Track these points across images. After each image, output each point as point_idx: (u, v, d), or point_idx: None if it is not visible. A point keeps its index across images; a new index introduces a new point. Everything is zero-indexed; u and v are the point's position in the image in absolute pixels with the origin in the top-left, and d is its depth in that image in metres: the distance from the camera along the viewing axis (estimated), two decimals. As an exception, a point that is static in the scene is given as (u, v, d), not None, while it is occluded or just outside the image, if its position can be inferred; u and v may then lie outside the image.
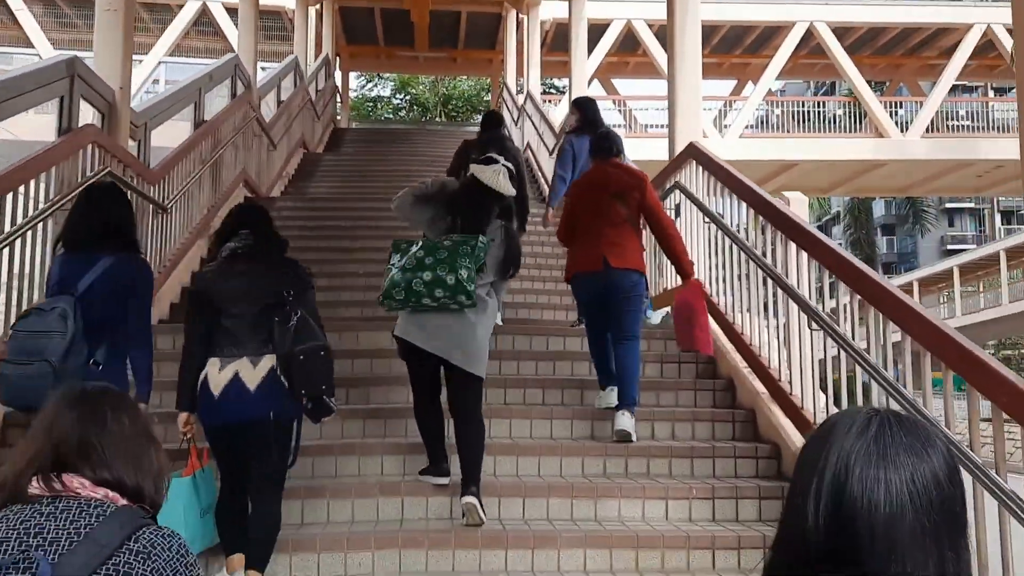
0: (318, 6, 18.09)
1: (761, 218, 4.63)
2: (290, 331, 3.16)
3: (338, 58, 21.64)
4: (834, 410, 4.05)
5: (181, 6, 20.20)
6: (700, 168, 5.60)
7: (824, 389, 4.01)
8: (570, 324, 5.75)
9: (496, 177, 3.81)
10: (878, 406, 1.23)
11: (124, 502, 1.44)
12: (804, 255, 4.14)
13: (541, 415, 4.55)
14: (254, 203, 3.92)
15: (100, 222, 3.41)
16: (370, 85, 29.53)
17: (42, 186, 4.62)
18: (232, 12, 19.89)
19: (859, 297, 3.66)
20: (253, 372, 3.16)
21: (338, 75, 21.97)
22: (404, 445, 4.18)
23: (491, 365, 4.92)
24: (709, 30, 20.37)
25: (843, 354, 3.71)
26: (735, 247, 5.04)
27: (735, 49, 22.41)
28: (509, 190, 3.86)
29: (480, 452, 3.71)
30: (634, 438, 4.24)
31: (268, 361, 3.18)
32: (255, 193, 10.22)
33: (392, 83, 29.17)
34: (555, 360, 5.22)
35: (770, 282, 4.53)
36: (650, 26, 19.64)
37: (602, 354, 4.59)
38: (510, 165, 3.95)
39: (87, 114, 5.94)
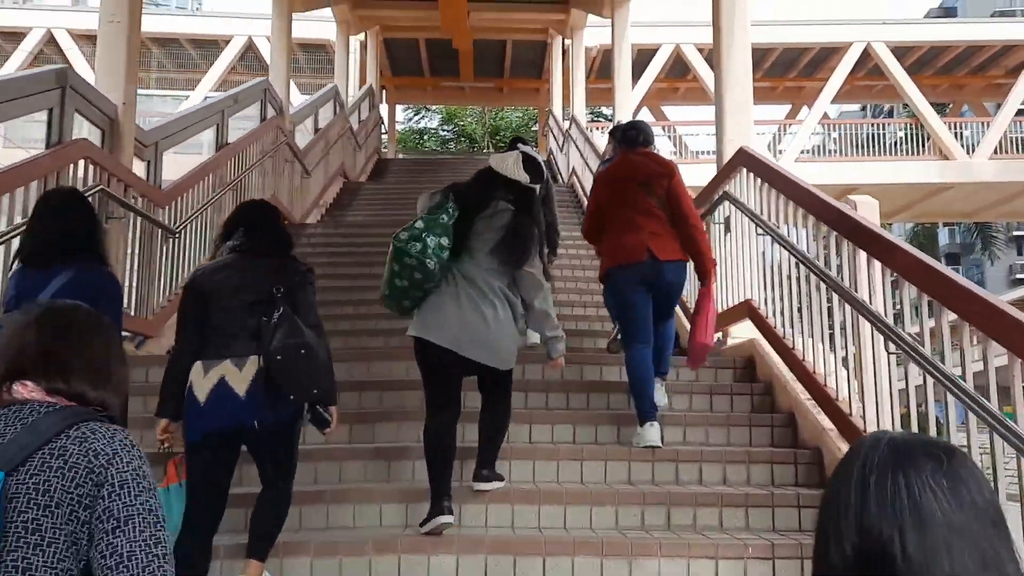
0: (362, 37, 17.97)
1: (824, 226, 3.99)
2: (271, 329, 2.90)
3: (384, 91, 21.55)
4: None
5: (227, 41, 20.31)
6: (752, 176, 4.98)
7: (906, 425, 3.32)
8: (607, 347, 5.14)
9: (504, 162, 3.54)
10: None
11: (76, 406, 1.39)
12: (877, 265, 3.48)
13: (570, 455, 3.93)
14: (258, 201, 3.67)
15: (58, 232, 3.06)
16: (417, 117, 29.46)
17: (19, 202, 4.23)
18: (278, 47, 19.97)
19: (949, 314, 2.99)
20: (239, 375, 2.89)
21: (385, 108, 21.87)
22: (409, 491, 3.61)
23: (516, 399, 4.37)
24: (761, 53, 19.81)
25: (930, 381, 3.03)
26: (794, 260, 4.40)
27: (789, 72, 21.75)
28: (518, 175, 3.52)
29: (500, 439, 3.58)
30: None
31: (254, 363, 2.89)
32: (286, 219, 9.90)
33: (439, 115, 29.04)
34: (589, 392, 4.61)
35: (836, 299, 3.87)
36: (700, 50, 19.12)
37: (646, 374, 4.07)
38: (532, 152, 3.66)
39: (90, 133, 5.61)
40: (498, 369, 3.43)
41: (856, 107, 41.94)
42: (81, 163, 4.90)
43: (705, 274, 4.24)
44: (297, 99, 14.75)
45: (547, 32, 17.29)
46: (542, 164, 3.67)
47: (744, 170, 5.07)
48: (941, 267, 3.03)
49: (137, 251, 5.76)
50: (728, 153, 5.44)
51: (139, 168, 6.12)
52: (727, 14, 5.47)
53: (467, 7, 12.76)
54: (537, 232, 3.57)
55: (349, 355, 5.16)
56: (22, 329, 1.45)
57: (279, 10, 10.91)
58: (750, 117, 5.51)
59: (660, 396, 4.27)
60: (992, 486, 1.00)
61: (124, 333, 5.79)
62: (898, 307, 3.61)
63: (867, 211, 3.80)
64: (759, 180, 4.86)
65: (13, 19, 20.67)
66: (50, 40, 19.87)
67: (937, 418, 3.12)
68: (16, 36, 20.07)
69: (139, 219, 5.73)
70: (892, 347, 3.26)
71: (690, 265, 4.37)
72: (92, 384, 1.42)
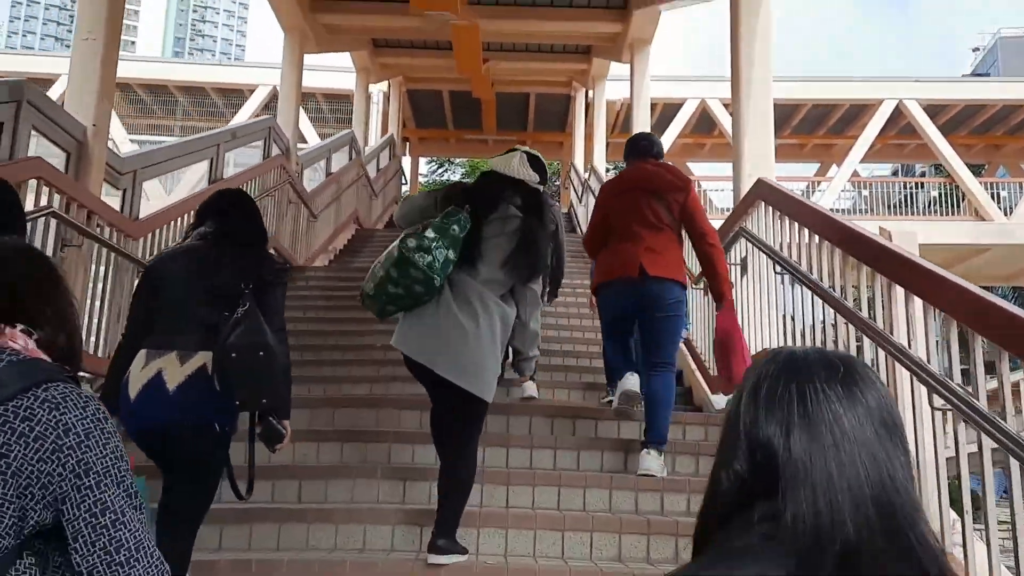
0: (384, 87, 17.86)
1: (853, 259, 3.41)
2: (231, 324, 2.60)
3: (408, 143, 21.42)
4: (972, 528, 2.73)
5: (252, 91, 20.32)
6: (771, 209, 4.43)
7: (957, 504, 2.69)
8: (599, 399, 4.60)
9: (509, 162, 3.29)
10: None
11: (45, 357, 1.24)
12: (917, 302, 2.90)
13: (549, 524, 3.33)
14: (235, 189, 3.36)
15: None
16: (440, 170, 29.38)
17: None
18: (303, 98, 19.95)
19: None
20: (178, 370, 2.59)
21: (408, 160, 21.71)
22: (351, 564, 3.03)
23: (496, 455, 3.83)
24: (790, 109, 19.45)
25: (987, 444, 2.42)
26: (819, 303, 3.82)
27: (818, 130, 21.31)
28: (525, 174, 3.26)
29: (461, 496, 3.09)
30: (661, 474, 3.71)
31: (200, 359, 2.60)
32: (287, 262, 9.51)
33: (462, 168, 28.91)
34: (579, 450, 4.01)
35: (868, 344, 3.26)
36: (726, 106, 18.74)
37: (621, 353, 3.95)
38: (534, 152, 3.40)
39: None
40: (470, 394, 3.04)
41: (887, 170, 41.29)
42: (32, 183, 4.48)
43: (721, 297, 3.88)
44: (314, 146, 14.51)
45: (570, 85, 17.04)
46: (545, 163, 3.41)
47: (763, 204, 4.53)
48: (998, 300, 2.44)
49: (102, 284, 5.32)
50: (745, 188, 4.91)
51: (111, 197, 5.72)
52: (746, 28, 4.98)
53: (481, 53, 12.48)
54: (548, 240, 3.38)
55: (312, 403, 4.64)
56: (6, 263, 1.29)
57: (290, 50, 10.68)
58: (770, 148, 4.99)
59: (656, 465, 3.72)
60: (891, 394, 0.96)
61: (82, 374, 5.34)
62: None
63: (904, 242, 3.24)
64: (778, 213, 4.31)
65: (40, 66, 20.87)
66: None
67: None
68: (44, 83, 20.20)
69: (108, 251, 5.31)
70: (938, 401, 2.65)
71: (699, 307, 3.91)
72: (66, 334, 1.29)
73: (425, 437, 3.90)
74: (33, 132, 4.72)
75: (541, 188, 3.31)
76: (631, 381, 3.91)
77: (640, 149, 4.12)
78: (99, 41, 5.34)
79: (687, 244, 4.15)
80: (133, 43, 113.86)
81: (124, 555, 1.14)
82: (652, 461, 3.71)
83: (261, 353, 2.56)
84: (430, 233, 3.03)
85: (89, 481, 1.14)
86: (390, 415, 4.26)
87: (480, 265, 3.12)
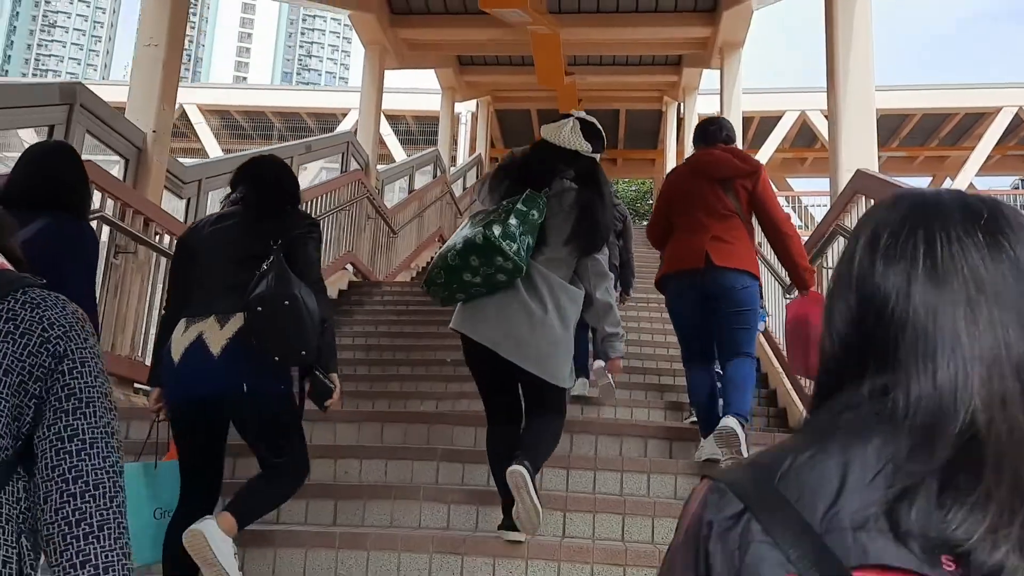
0: (472, 107, 17.80)
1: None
2: (255, 280, 2.56)
3: (497, 163, 21.32)
4: None
5: (345, 114, 20.65)
6: (873, 204, 3.90)
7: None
8: (683, 419, 4.15)
9: (560, 131, 3.04)
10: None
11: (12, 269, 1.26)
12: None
13: (608, 558, 2.88)
14: (267, 155, 3.28)
15: (39, 181, 2.77)
16: (531, 192, 29.23)
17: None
18: (393, 119, 20.14)
19: None
20: (219, 333, 2.56)
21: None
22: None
23: (555, 477, 3.43)
24: (899, 120, 18.46)
25: None
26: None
27: (929, 141, 20.15)
28: (577, 144, 3.01)
29: (546, 441, 2.95)
30: (741, 438, 3.33)
31: (238, 321, 2.57)
32: (365, 277, 9.35)
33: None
34: (650, 473, 3.55)
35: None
36: (828, 118, 17.87)
37: (703, 392, 3.57)
38: (588, 118, 3.10)
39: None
40: (542, 380, 2.87)
41: (1007, 184, 38.90)
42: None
43: (804, 285, 3.62)
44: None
45: (661, 99, 16.57)
46: (602, 129, 3.11)
47: (863, 198, 4.00)
48: None
49: (161, 292, 5.19)
50: (843, 184, 4.38)
51: (173, 206, 5.61)
52: (843, 12, 4.44)
53: (564, 64, 12.14)
54: (608, 209, 3.18)
55: (369, 416, 4.34)
56: None
57: (370, 65, 10.62)
58: (871, 140, 4.44)
59: (736, 427, 3.38)
60: None
61: (138, 386, 5.20)
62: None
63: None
64: (882, 207, 3.78)
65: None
66: (182, 114, 20.70)
67: None
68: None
69: (167, 260, 5.19)
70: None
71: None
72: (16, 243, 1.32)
73: (475, 455, 3.55)
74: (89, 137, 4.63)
75: (596, 157, 3.05)
76: (724, 422, 3.53)
77: (708, 135, 3.81)
78: (161, 47, 5.26)
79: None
80: (245, 78, 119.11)
81: (76, 444, 1.14)
82: (733, 423, 3.36)
83: (286, 303, 2.51)
84: (513, 220, 2.87)
85: (63, 367, 1.16)
86: (443, 432, 3.92)
87: (542, 245, 2.96)
